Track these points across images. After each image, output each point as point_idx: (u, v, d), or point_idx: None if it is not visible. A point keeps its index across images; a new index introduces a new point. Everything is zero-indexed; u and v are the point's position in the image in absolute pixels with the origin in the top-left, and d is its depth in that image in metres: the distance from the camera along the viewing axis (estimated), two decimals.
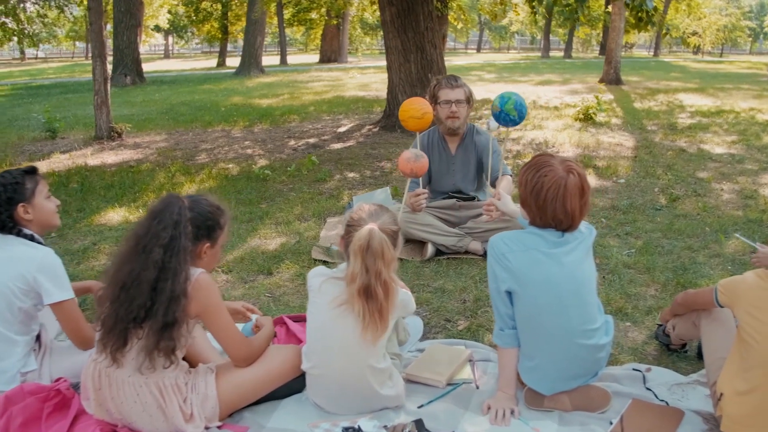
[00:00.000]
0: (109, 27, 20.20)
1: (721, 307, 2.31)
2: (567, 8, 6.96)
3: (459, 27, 15.31)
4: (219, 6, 33.30)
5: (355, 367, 2.36)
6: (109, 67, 9.74)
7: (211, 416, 2.36)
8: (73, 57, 49.97)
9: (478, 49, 57.56)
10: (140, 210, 5.55)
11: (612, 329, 2.50)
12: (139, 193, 6.18)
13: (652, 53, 41.98)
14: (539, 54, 41.62)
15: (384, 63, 10.38)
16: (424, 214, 4.29)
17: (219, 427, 2.38)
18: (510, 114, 3.59)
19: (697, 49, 40.09)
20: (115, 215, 5.44)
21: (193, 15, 34.64)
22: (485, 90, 16.12)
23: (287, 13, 34.08)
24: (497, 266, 2.40)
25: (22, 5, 27.64)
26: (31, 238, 2.68)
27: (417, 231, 4.23)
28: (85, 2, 9.85)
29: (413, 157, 3.73)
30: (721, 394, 2.20)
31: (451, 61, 32.76)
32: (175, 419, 2.29)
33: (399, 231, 2.44)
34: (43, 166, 7.66)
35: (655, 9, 7.05)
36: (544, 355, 2.41)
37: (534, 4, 7.96)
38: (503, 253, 2.38)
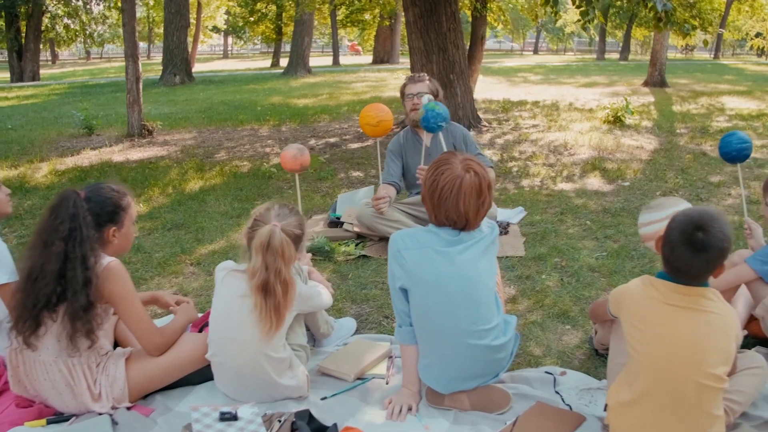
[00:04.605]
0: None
1: (614, 317, 2.24)
2: (578, 8, 6.81)
3: (499, 28, 15.11)
4: (273, 7, 33.89)
5: (251, 355, 2.43)
6: (142, 67, 10.06)
7: (119, 397, 2.47)
8: None
9: (535, 51, 56.76)
10: (141, 204, 5.75)
11: (512, 329, 2.47)
12: (146, 188, 6.40)
13: (712, 55, 40.46)
14: (595, 56, 40.75)
15: None
16: (392, 210, 4.33)
17: (128, 408, 2.50)
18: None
19: (761, 52, 38.38)
20: None
21: (248, 16, 35.37)
22: (524, 92, 15.96)
23: (340, 14, 34.40)
24: (394, 263, 2.41)
25: (87, 7, 28.84)
26: None
27: (384, 227, 4.27)
28: (119, 4, 10.24)
29: (298, 153, 3.91)
30: (606, 405, 2.15)
31: (503, 63, 32.56)
32: (83, 397, 2.42)
33: (303, 235, 2.52)
34: (71, 161, 8.03)
35: (674, 10, 6.85)
36: (437, 353, 2.40)
37: (550, 3, 7.83)
38: (399, 249, 2.39)
